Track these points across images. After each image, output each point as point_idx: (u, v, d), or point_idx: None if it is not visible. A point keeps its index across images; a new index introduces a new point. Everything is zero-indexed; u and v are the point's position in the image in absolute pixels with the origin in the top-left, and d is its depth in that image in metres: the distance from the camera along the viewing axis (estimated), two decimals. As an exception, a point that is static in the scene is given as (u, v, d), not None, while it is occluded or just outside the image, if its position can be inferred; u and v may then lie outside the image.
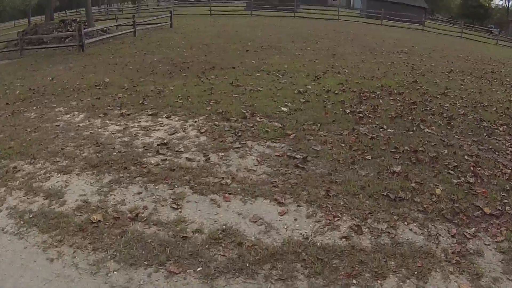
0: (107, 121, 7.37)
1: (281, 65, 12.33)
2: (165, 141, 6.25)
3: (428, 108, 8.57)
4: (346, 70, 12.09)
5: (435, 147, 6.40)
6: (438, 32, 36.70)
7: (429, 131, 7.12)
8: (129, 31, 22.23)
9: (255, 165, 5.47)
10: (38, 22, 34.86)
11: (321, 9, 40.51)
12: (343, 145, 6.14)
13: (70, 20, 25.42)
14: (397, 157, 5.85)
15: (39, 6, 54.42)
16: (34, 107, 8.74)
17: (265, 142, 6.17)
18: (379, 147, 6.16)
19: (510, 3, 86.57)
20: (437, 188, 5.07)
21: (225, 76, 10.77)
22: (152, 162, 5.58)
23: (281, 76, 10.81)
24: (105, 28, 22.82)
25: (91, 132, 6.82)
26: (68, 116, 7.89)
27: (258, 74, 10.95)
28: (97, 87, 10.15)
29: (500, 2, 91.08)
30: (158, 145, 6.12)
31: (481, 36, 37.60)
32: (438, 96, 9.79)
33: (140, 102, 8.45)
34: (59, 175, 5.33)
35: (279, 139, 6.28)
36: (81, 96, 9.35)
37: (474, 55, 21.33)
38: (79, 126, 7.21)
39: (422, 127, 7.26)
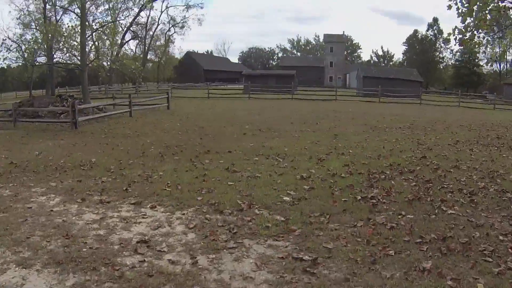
0: (84, 208, 6.56)
1: (280, 148, 11.61)
2: (146, 237, 5.30)
3: (445, 185, 7.77)
4: (350, 151, 11.33)
5: (464, 231, 5.47)
6: (435, 104, 36.73)
7: (453, 212, 6.21)
8: (125, 111, 22.06)
9: (253, 270, 4.44)
10: (39, 95, 35.07)
11: (318, 90, 40.87)
12: (359, 239, 5.14)
13: (67, 95, 25.40)
14: (425, 249, 4.89)
15: (41, 80, 55.85)
16: (11, 184, 8.16)
17: (266, 241, 5.18)
18: (402, 238, 5.17)
19: (501, 67, 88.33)
20: (479, 283, 4.11)
21: (221, 160, 9.97)
22: (128, 263, 4.60)
23: (281, 160, 10.02)
24: (101, 106, 22.68)
25: (63, 220, 6.01)
26: (44, 198, 7.20)
27: (256, 159, 10.14)
28: (82, 168, 9.46)
29: (492, 67, 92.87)
30: (137, 242, 5.17)
31: (477, 103, 37.53)
32: (451, 170, 9.12)
33: (124, 188, 7.61)
34: (17, 268, 4.51)
35: (282, 236, 5.28)
36: (62, 177, 8.68)
37: (476, 122, 20.96)
38: (52, 211, 6.44)
39: (444, 208, 6.37)
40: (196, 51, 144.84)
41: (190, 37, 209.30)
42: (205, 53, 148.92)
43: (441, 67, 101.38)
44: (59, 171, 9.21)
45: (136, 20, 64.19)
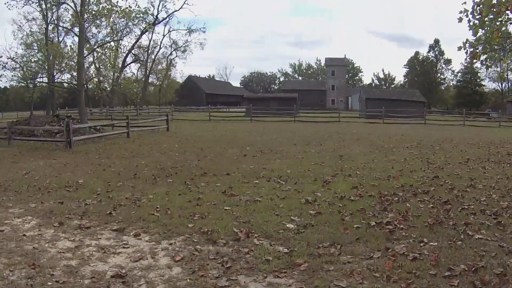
0: (60, 234, 5.86)
1: (283, 170, 10.82)
2: (123, 271, 4.50)
3: (465, 206, 7.04)
4: (358, 172, 10.53)
5: (496, 259, 4.70)
6: (440, 124, 36.06)
7: (480, 236, 5.43)
8: (123, 132, 21.39)
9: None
10: (38, 115, 34.55)
11: (321, 113, 40.25)
12: (377, 275, 4.29)
13: (65, 115, 24.95)
14: (455, 283, 4.10)
15: (43, 100, 55.80)
16: (-12, 204, 7.53)
17: (265, 277, 4.32)
18: (427, 271, 4.33)
19: (503, 86, 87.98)
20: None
21: (217, 183, 9.16)
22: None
23: (283, 182, 9.22)
24: (98, 127, 22.05)
25: (34, 247, 5.34)
26: (19, 220, 6.62)
27: (257, 181, 9.33)
28: (67, 189, 8.79)
29: (493, 86, 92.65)
30: (112, 276, 4.38)
31: (482, 121, 36.87)
32: (467, 190, 8.45)
33: (108, 212, 6.85)
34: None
35: (285, 272, 4.40)
36: (44, 198, 8.03)
37: (484, 140, 20.35)
38: (24, 236, 5.82)
39: (470, 233, 5.57)
40: (198, 75, 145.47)
41: (192, 62, 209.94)
42: (207, 77, 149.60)
43: (443, 88, 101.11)
44: (42, 192, 8.58)
45: (138, 43, 64.22)
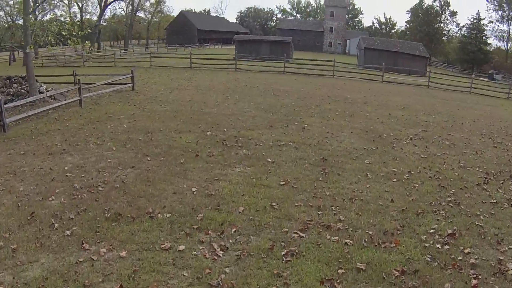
0: None
1: (236, 200, 7.46)
2: None
3: None
4: (341, 216, 7.12)
5: None
6: (444, 87, 32.38)
7: None
8: (75, 99, 17.39)
9: None
10: None
11: (315, 61, 36.04)
12: None
13: (19, 77, 20.92)
14: None
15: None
16: None
17: None
18: None
19: (509, 46, 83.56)
20: None
21: (121, 251, 5.75)
22: None
23: (226, 243, 5.97)
24: (50, 93, 17.63)
25: None
26: None
27: (181, 248, 6.00)
28: None
29: (499, 44, 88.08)
30: None
31: (489, 90, 33.11)
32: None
33: None
34: None
35: None
36: None
37: (497, 127, 16.87)
38: None
39: None
40: (193, 10, 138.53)
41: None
42: (202, 12, 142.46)
43: (445, 40, 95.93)
44: None
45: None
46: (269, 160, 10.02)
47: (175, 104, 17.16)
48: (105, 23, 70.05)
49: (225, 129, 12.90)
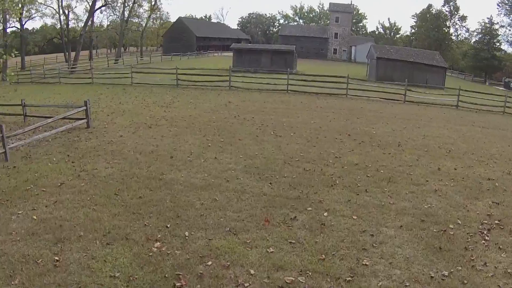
0: None
1: None
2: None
3: None
4: None
5: None
6: (476, 108, 26.57)
7: None
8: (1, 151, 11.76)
9: None
10: None
11: (324, 77, 29.91)
12: None
13: None
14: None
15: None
16: None
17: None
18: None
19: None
20: None
21: None
22: None
23: None
24: None
25: None
26: None
27: None
28: None
29: (510, 50, 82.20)
30: None
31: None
32: None
33: None
34: None
35: None
36: None
37: None
38: None
39: None
40: (193, 16, 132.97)
41: (188, 2, 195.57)
42: (203, 18, 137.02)
43: (455, 46, 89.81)
44: None
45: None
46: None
47: (128, 161, 11.39)
48: (94, 31, 64.48)
49: (186, 235, 7.16)
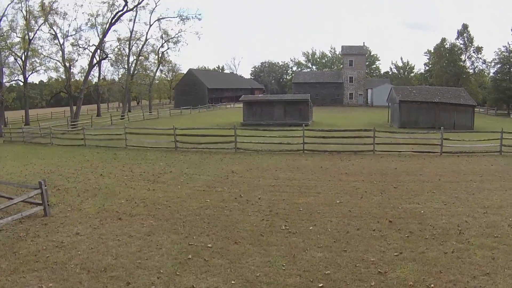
0: None
1: None
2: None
3: None
4: None
5: None
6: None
7: None
8: None
9: None
10: None
11: (347, 132, 25.59)
12: None
13: None
14: None
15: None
16: None
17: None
18: None
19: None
20: None
21: None
22: None
23: None
24: None
25: None
26: None
27: None
28: None
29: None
30: None
31: None
32: None
33: None
34: None
35: None
36: None
37: None
38: None
39: None
40: (205, 67, 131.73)
41: (199, 53, 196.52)
42: (215, 69, 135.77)
43: (473, 79, 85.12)
44: None
45: (105, 38, 50.92)
46: None
47: (67, 286, 7.24)
48: (99, 85, 62.05)
49: None
